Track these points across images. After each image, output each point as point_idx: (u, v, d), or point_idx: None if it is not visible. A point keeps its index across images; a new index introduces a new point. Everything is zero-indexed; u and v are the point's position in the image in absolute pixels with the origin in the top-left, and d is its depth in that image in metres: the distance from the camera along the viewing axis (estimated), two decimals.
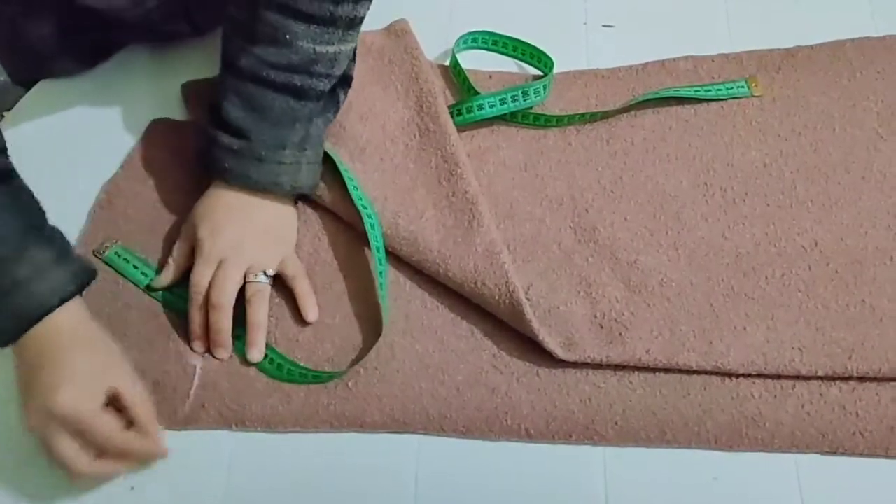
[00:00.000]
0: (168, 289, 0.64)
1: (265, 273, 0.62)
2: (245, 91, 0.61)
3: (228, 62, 0.62)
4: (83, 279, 0.57)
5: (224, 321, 0.60)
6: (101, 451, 0.54)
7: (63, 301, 0.55)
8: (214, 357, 0.61)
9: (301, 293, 0.63)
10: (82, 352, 0.55)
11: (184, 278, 0.63)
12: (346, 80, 0.66)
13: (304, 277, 0.63)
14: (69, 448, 0.53)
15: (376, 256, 0.62)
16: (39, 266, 0.54)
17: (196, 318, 0.61)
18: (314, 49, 0.60)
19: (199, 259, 0.62)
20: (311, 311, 0.63)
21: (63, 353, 0.54)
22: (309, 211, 0.68)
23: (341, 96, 0.66)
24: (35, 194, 0.63)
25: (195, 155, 0.65)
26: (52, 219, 0.68)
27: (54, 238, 0.57)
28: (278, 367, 0.61)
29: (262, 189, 0.63)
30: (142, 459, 0.57)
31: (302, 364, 0.61)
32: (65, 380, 0.53)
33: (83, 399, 0.53)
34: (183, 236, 0.64)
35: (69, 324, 0.55)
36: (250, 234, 0.63)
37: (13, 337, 0.54)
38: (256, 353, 0.61)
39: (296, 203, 0.67)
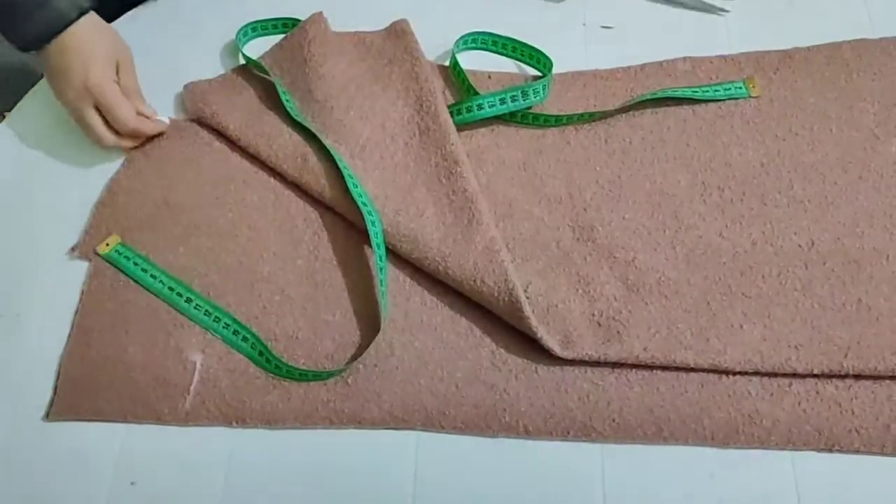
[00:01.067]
0: (171, 289, 0.64)
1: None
2: None
3: None
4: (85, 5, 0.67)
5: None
6: (116, 126, 0.69)
7: (81, 14, 0.66)
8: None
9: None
10: (102, 42, 0.68)
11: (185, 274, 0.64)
12: None
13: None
14: (98, 120, 0.68)
15: (377, 253, 0.63)
16: None
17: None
18: None
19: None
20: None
21: (89, 45, 0.67)
22: (309, 208, 0.68)
23: None
24: (36, 193, 0.64)
25: None
26: (54, 216, 0.68)
27: None
28: (276, 367, 0.61)
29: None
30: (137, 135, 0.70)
31: (301, 364, 0.61)
32: (94, 61, 0.67)
33: (109, 75, 0.68)
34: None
35: (87, 28, 0.67)
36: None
37: (40, 44, 0.66)
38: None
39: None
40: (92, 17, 0.68)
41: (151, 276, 0.65)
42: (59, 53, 0.66)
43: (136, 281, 0.65)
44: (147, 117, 0.70)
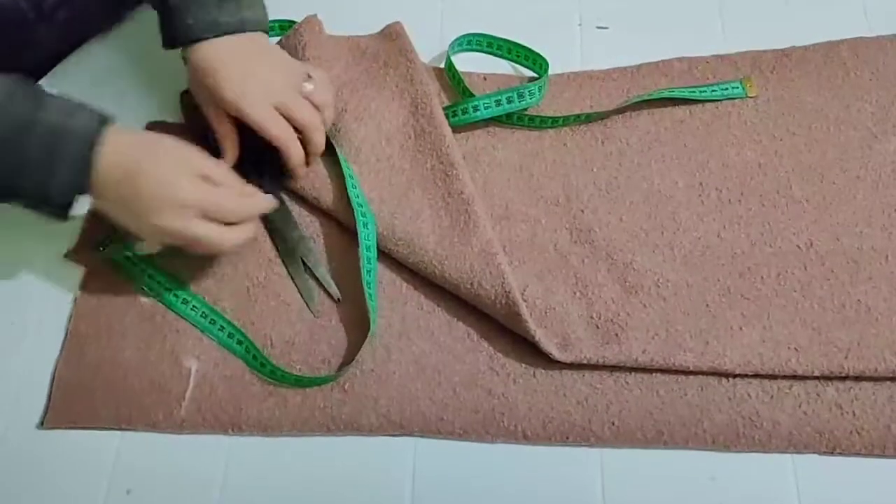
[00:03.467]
0: (168, 289, 0.64)
1: (307, 76, 0.63)
2: None
3: None
4: (105, 114, 0.57)
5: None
6: (228, 220, 0.58)
7: (103, 124, 0.55)
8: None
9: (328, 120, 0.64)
10: (160, 151, 0.57)
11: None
12: None
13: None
14: (209, 227, 0.57)
15: (364, 255, 0.62)
16: (63, 109, 0.55)
17: (295, 149, 0.63)
18: None
19: (256, 114, 0.60)
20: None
21: (148, 161, 0.56)
22: (305, 213, 0.67)
23: None
24: None
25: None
26: (47, 222, 0.67)
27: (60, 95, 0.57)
28: (271, 373, 0.60)
29: (234, 29, 0.61)
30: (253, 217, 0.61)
31: (297, 370, 0.61)
32: (170, 177, 0.56)
33: (196, 182, 0.57)
34: (214, 118, 0.63)
35: (125, 143, 0.56)
36: (266, 68, 0.62)
37: (82, 181, 0.55)
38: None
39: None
40: (124, 130, 0.57)
41: (149, 275, 0.64)
42: (117, 184, 0.56)
43: (133, 279, 0.64)
44: (250, 196, 0.61)
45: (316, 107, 0.63)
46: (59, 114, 0.54)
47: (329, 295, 0.63)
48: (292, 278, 0.64)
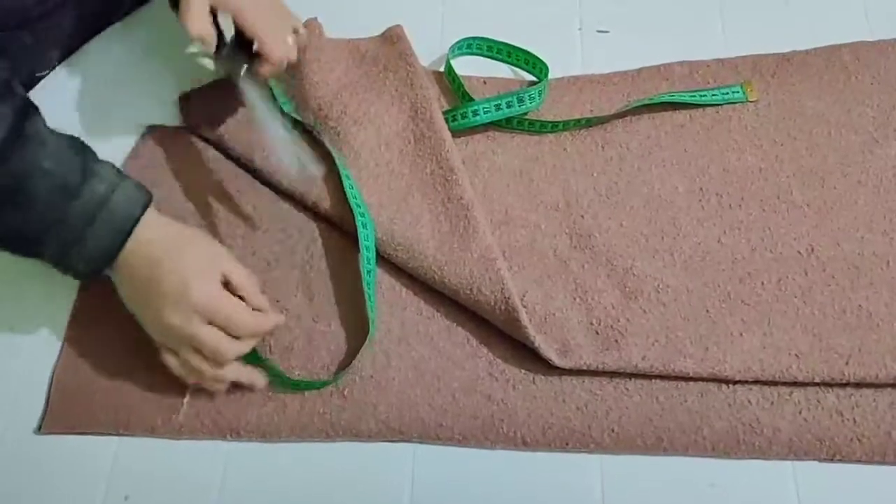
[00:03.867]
0: None
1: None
2: None
3: None
4: (146, 189, 0.57)
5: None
6: (236, 333, 0.56)
7: (145, 208, 0.55)
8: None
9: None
10: (189, 248, 0.56)
11: None
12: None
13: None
14: (217, 335, 0.55)
15: (364, 255, 0.62)
16: (110, 181, 0.55)
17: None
18: None
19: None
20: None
21: (175, 255, 0.55)
22: (304, 217, 0.67)
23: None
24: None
25: None
26: None
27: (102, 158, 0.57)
28: (271, 372, 0.60)
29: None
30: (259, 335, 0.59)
31: (296, 375, 0.61)
32: (189, 276, 0.55)
33: (213, 288, 0.55)
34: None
35: (159, 230, 0.56)
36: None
37: (112, 255, 0.55)
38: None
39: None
40: (160, 217, 0.57)
41: None
42: (138, 268, 0.55)
43: None
44: (261, 310, 0.59)
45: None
46: (106, 185, 0.54)
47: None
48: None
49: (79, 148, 0.55)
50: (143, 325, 0.58)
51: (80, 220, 0.53)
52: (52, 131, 0.55)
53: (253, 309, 0.57)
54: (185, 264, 0.55)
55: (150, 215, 0.56)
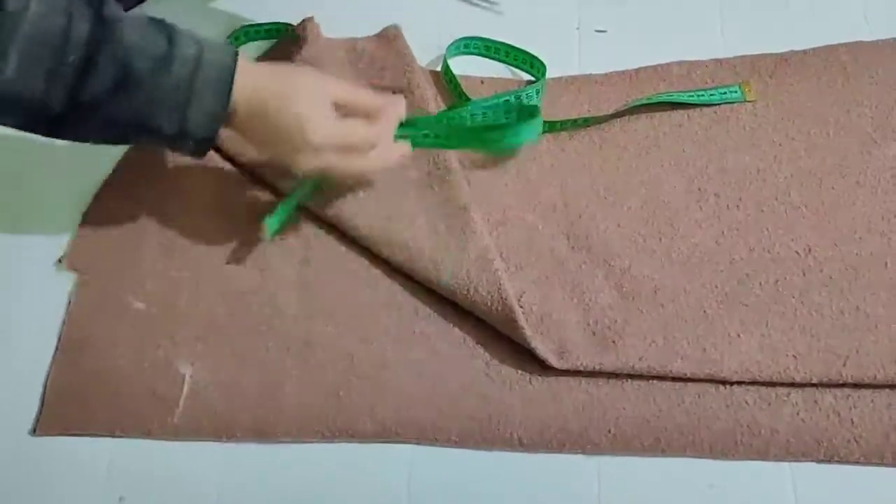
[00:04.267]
0: None
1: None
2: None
3: None
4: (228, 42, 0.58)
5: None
6: (364, 151, 0.59)
7: (236, 57, 0.55)
8: None
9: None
10: (297, 86, 0.57)
11: None
12: None
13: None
14: (348, 161, 0.58)
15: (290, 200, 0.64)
16: (196, 41, 0.55)
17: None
18: None
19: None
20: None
21: (284, 95, 0.56)
22: (300, 218, 0.67)
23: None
24: (21, 204, 0.62)
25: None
26: (39, 228, 0.67)
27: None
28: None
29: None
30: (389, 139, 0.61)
31: (293, 375, 0.61)
32: (302, 115, 0.55)
33: (328, 123, 0.57)
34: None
35: (259, 74, 0.56)
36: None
37: (222, 110, 0.55)
38: None
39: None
40: (252, 63, 0.57)
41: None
42: (253, 118, 0.56)
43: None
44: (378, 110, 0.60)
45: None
46: (193, 47, 0.54)
47: None
48: None
49: (152, 19, 0.55)
50: (285, 167, 0.59)
51: (184, 83, 0.53)
52: (122, 8, 0.54)
53: (371, 114, 0.59)
54: (298, 104, 0.56)
55: (244, 63, 0.55)
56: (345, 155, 0.58)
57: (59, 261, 0.66)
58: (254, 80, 0.56)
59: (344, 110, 0.58)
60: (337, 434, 0.59)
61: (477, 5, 0.61)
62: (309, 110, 0.56)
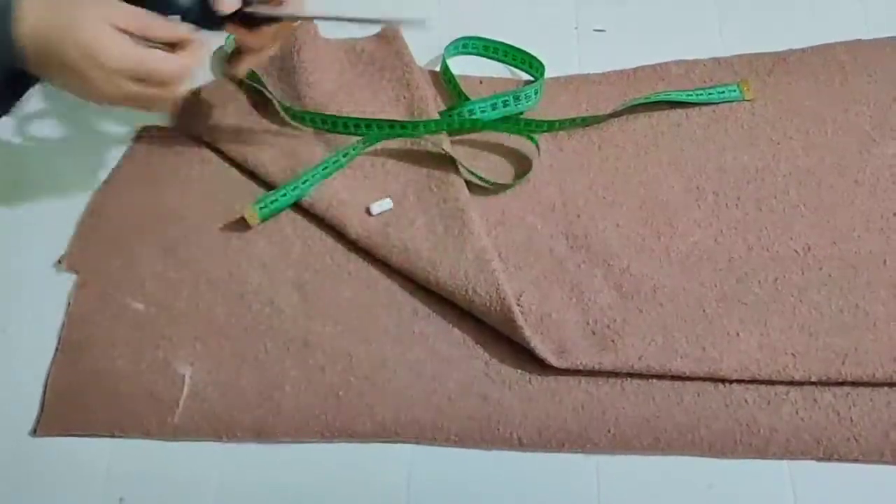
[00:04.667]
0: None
1: None
2: None
3: None
4: None
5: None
6: (167, 81, 0.57)
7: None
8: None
9: None
10: (79, 14, 0.54)
11: None
12: None
13: None
14: (146, 90, 0.56)
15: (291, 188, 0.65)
16: None
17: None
18: None
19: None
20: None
21: (68, 26, 0.54)
22: (299, 219, 0.67)
23: None
24: (21, 205, 0.62)
25: None
26: (39, 228, 0.67)
27: None
28: None
29: None
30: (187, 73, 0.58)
31: (292, 376, 0.61)
32: (92, 40, 0.54)
33: (119, 48, 0.55)
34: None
35: (43, 6, 0.54)
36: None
37: (6, 54, 0.54)
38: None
39: None
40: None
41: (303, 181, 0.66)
42: (43, 55, 0.55)
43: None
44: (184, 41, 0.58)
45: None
46: None
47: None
48: None
49: None
50: (92, 101, 0.58)
51: None
52: None
53: (167, 43, 0.57)
54: (83, 32, 0.54)
55: (27, 2, 0.54)
56: (147, 85, 0.56)
57: (59, 261, 0.66)
58: (35, 15, 0.54)
59: (143, 42, 0.56)
60: (336, 434, 0.59)
61: (403, 22, 0.60)
62: (93, 36, 0.54)
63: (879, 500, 0.56)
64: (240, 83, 0.73)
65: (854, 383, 0.59)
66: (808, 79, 0.72)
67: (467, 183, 0.67)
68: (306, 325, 0.62)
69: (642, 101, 0.70)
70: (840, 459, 0.57)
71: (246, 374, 0.61)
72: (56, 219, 0.68)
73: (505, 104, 0.69)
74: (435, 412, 0.59)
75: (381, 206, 0.65)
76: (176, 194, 0.68)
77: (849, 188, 0.66)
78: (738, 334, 0.60)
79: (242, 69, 0.66)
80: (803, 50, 0.74)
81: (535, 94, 0.71)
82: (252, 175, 0.69)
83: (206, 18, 0.60)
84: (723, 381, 0.59)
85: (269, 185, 0.68)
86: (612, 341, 0.60)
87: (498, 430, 0.58)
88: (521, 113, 0.70)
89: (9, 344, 0.63)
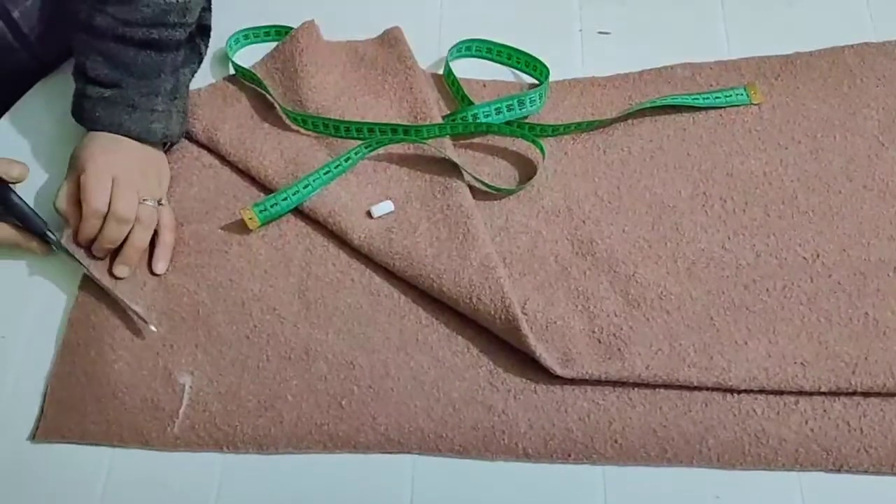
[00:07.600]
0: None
1: (156, 201, 0.64)
2: (106, 50, 0.63)
3: (84, 23, 0.63)
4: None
5: (141, 233, 0.63)
6: None
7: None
8: (115, 276, 0.63)
9: (164, 243, 0.64)
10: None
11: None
12: (204, 31, 0.72)
13: (174, 231, 0.65)
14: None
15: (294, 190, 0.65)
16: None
17: (89, 230, 0.62)
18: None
19: (89, 180, 0.61)
20: (161, 264, 0.64)
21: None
22: (300, 224, 0.66)
23: (202, 47, 0.72)
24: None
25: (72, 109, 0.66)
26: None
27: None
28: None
29: (136, 136, 0.64)
30: None
31: (293, 385, 0.60)
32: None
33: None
34: (68, 177, 0.64)
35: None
36: (132, 163, 0.64)
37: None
38: (124, 270, 0.63)
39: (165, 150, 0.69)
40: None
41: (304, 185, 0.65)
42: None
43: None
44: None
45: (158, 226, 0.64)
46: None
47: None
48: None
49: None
50: None
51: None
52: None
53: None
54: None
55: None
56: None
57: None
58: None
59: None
60: (339, 444, 0.58)
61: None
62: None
63: None
64: (241, 86, 0.73)
65: (864, 393, 0.58)
66: (816, 82, 0.71)
67: (471, 188, 0.66)
68: (308, 333, 0.62)
69: (648, 104, 0.69)
70: (850, 471, 0.56)
71: (247, 383, 0.60)
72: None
73: (509, 108, 0.69)
74: (438, 422, 0.58)
75: (382, 208, 0.64)
76: (177, 199, 0.67)
77: (858, 193, 0.66)
78: (746, 343, 0.59)
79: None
80: (810, 53, 0.73)
81: (540, 97, 0.70)
82: (253, 180, 0.68)
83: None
84: (731, 390, 0.58)
85: (270, 190, 0.67)
86: (619, 350, 0.59)
87: (502, 440, 0.57)
88: (526, 117, 0.70)
89: (9, 348, 0.63)
